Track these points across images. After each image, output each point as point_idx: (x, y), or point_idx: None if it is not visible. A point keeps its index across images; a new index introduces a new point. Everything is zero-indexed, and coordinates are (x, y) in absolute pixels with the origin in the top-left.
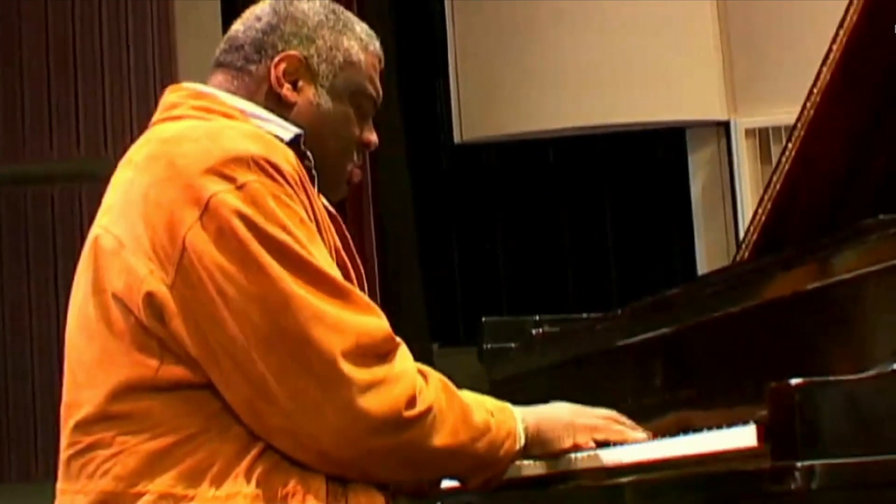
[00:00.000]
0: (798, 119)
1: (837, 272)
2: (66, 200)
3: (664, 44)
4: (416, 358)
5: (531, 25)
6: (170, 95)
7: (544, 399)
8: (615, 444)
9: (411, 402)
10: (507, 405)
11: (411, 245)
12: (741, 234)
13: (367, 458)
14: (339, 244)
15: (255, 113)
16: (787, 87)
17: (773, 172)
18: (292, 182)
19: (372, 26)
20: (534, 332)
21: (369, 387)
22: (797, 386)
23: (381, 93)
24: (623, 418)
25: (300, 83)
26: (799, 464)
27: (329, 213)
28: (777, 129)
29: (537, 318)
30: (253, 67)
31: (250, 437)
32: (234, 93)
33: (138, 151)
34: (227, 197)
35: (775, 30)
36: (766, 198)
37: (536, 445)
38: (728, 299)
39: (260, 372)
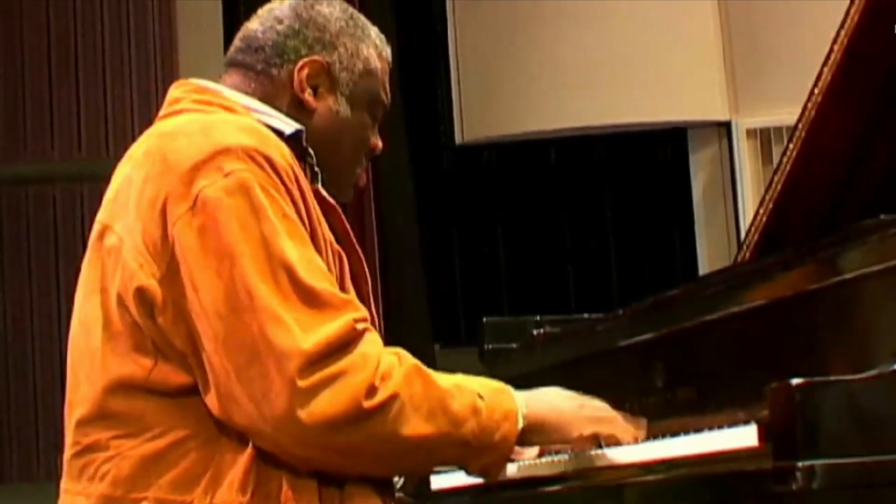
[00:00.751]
0: (799, 119)
1: (839, 272)
2: (67, 200)
3: (665, 44)
4: (417, 359)
5: (532, 26)
6: (174, 91)
7: None
8: (616, 442)
9: (371, 391)
10: (505, 386)
11: (412, 245)
12: (742, 235)
13: (339, 455)
14: (332, 238)
15: (258, 108)
16: (789, 87)
17: (775, 173)
18: (283, 175)
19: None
20: (535, 332)
21: (321, 387)
22: (798, 386)
23: (390, 98)
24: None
25: (320, 89)
26: (800, 464)
27: (329, 204)
28: (778, 130)
29: (538, 318)
30: (274, 71)
31: (241, 442)
32: (251, 94)
33: (138, 147)
34: (212, 189)
35: (776, 30)
36: (767, 198)
37: (536, 433)
38: (729, 299)
39: (225, 370)
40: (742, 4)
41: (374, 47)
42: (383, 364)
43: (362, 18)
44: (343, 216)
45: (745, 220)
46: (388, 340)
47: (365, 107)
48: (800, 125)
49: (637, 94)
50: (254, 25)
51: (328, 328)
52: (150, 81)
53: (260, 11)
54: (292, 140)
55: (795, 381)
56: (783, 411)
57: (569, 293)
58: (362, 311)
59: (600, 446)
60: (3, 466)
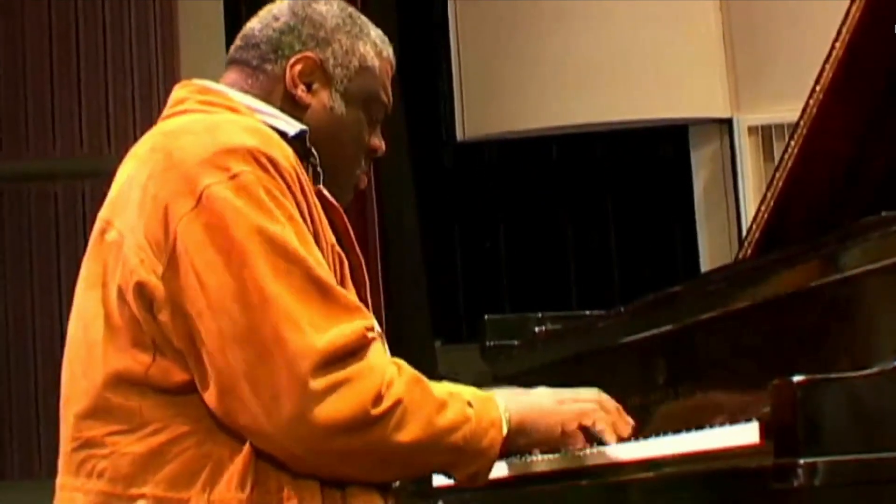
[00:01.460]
0: (801, 116)
1: (840, 270)
2: (68, 198)
3: (667, 41)
4: (420, 356)
5: (534, 23)
6: (178, 91)
7: None
8: (601, 432)
9: (378, 398)
10: (491, 395)
11: (414, 243)
12: (744, 232)
13: (337, 460)
14: (333, 240)
15: (261, 108)
16: (790, 84)
17: (776, 170)
18: (287, 177)
19: (375, 24)
20: (536, 329)
21: (332, 389)
22: (800, 383)
23: (391, 99)
24: (606, 398)
25: (315, 86)
26: (801, 461)
27: (330, 205)
28: (780, 127)
29: (540, 315)
30: (269, 67)
31: (239, 440)
32: (248, 91)
33: (142, 145)
34: (219, 188)
35: (778, 27)
36: (768, 195)
37: (521, 435)
38: (730, 297)
39: (231, 367)
40: (743, 2)
41: (372, 46)
42: (388, 373)
43: (362, 18)
44: (345, 217)
45: (747, 217)
46: (390, 337)
47: (361, 104)
48: (801, 122)
49: (638, 92)
50: (253, 24)
51: (341, 331)
52: (151, 79)
53: (261, 11)
54: (295, 140)
55: (797, 378)
56: (784, 408)
57: (570, 290)
58: (372, 320)
59: (592, 444)
60: (5, 464)
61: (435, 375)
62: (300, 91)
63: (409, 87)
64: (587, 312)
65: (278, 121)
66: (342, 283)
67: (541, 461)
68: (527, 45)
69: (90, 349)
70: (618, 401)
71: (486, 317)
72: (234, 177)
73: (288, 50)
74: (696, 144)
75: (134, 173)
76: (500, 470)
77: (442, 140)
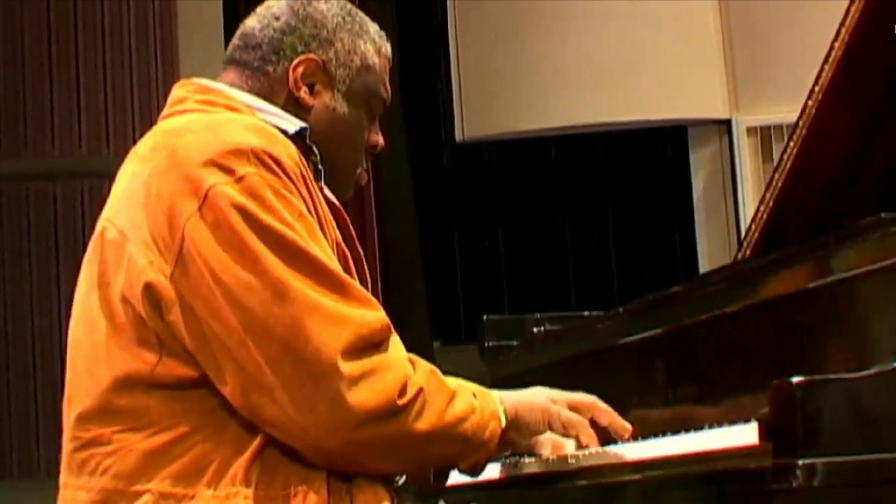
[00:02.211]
0: (799, 117)
1: (839, 270)
2: (67, 197)
3: (666, 42)
4: (418, 356)
5: (533, 24)
6: (178, 90)
7: None
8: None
9: (403, 389)
10: (487, 389)
11: (413, 243)
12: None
13: (359, 449)
14: (339, 238)
15: (262, 107)
16: (789, 85)
17: (775, 171)
18: (292, 175)
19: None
20: (535, 330)
21: (362, 378)
22: (798, 384)
23: (390, 93)
24: (602, 405)
25: (317, 87)
26: (800, 462)
27: (332, 205)
28: (779, 128)
29: (539, 316)
30: (270, 68)
31: (246, 436)
32: (248, 91)
33: (143, 144)
34: (225, 189)
35: (777, 28)
36: (767, 196)
37: (513, 429)
38: (729, 298)
39: (255, 361)
40: (742, 2)
41: (371, 43)
42: (408, 365)
43: (361, 15)
44: (347, 217)
45: (746, 218)
46: None
47: (363, 103)
48: (800, 123)
49: (638, 92)
50: (252, 23)
51: (363, 320)
52: (150, 80)
53: (259, 9)
54: (296, 138)
55: (795, 378)
56: (783, 409)
57: (569, 291)
58: (384, 312)
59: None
60: (4, 463)
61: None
62: (303, 93)
63: (409, 88)
64: (586, 313)
65: (279, 119)
66: None
67: (541, 461)
68: (526, 46)
69: (95, 350)
70: (617, 402)
71: (484, 317)
72: (240, 179)
73: (290, 51)
74: (696, 145)
75: (136, 172)
76: (499, 471)
77: (441, 141)
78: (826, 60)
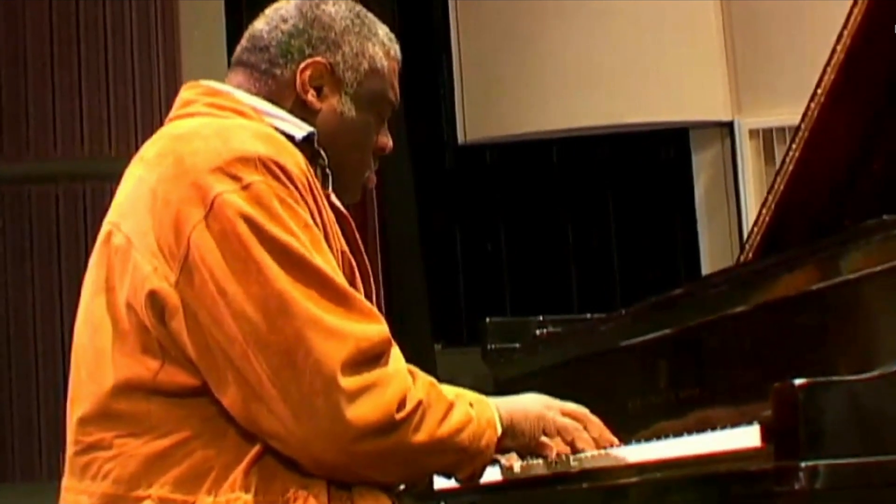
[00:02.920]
0: (802, 120)
1: (841, 273)
2: (69, 199)
3: (668, 44)
4: (419, 359)
5: (535, 26)
6: (185, 92)
7: None
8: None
9: (402, 403)
10: (483, 396)
11: (414, 245)
12: (745, 235)
13: (358, 462)
14: (345, 247)
15: (269, 111)
16: (791, 87)
17: (777, 173)
18: (299, 185)
19: None
20: (537, 332)
21: (362, 392)
22: (801, 386)
23: (398, 96)
24: (593, 416)
25: (325, 90)
26: (802, 464)
27: (339, 212)
28: (781, 130)
29: (541, 318)
30: (278, 71)
31: (246, 443)
32: (255, 94)
33: (150, 148)
34: (231, 197)
35: (779, 30)
36: (769, 198)
37: (509, 436)
38: (731, 300)
39: (256, 373)
40: (744, 4)
41: (380, 46)
42: (408, 378)
43: (370, 17)
44: (353, 224)
45: (748, 220)
46: None
47: (371, 106)
48: (802, 125)
49: (640, 95)
50: (260, 25)
51: (364, 333)
52: (152, 81)
53: (267, 11)
54: (304, 143)
55: (798, 381)
56: (785, 411)
57: (571, 293)
58: (386, 325)
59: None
60: (6, 466)
61: (435, 378)
62: (310, 96)
63: (410, 90)
64: (588, 315)
65: (286, 124)
66: (353, 288)
67: (542, 464)
68: (528, 48)
69: (98, 355)
70: (619, 404)
71: (487, 319)
72: (246, 187)
73: (297, 54)
74: (698, 147)
75: (142, 177)
76: (499, 473)
77: (443, 143)
78: (828, 63)
